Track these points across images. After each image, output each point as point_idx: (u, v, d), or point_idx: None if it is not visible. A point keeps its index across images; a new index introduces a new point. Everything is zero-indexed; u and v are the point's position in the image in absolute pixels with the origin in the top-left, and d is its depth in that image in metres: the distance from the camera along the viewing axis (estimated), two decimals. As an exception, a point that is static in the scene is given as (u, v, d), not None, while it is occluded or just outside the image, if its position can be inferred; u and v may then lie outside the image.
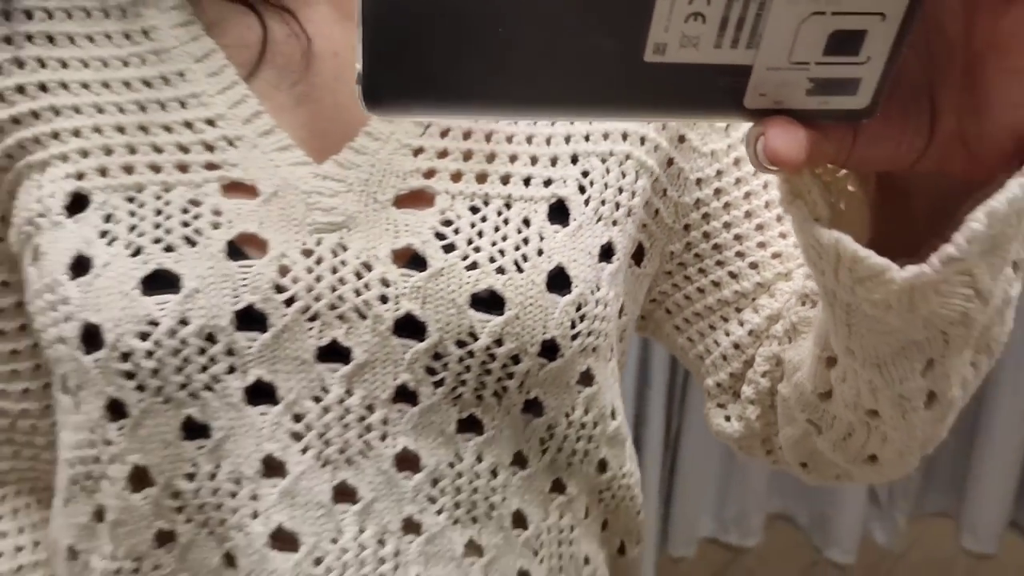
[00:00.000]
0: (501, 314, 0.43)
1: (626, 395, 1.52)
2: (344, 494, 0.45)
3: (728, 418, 0.53)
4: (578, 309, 0.45)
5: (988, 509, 1.72)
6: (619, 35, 0.27)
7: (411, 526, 0.46)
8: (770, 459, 0.53)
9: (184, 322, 0.42)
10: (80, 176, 0.44)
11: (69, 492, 0.47)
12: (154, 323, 0.42)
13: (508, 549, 0.48)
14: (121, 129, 0.44)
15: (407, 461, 0.45)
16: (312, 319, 0.43)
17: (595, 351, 0.47)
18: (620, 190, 0.47)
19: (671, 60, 0.28)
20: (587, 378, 0.47)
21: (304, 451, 0.44)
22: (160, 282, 0.42)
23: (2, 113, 0.44)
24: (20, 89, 0.44)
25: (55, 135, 0.44)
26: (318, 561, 0.44)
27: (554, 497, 0.49)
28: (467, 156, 0.45)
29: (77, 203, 0.44)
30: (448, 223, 0.44)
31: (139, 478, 0.45)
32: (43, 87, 0.44)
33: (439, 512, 0.46)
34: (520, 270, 0.44)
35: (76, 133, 0.44)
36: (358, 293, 0.43)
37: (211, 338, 0.42)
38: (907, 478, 1.70)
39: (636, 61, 0.27)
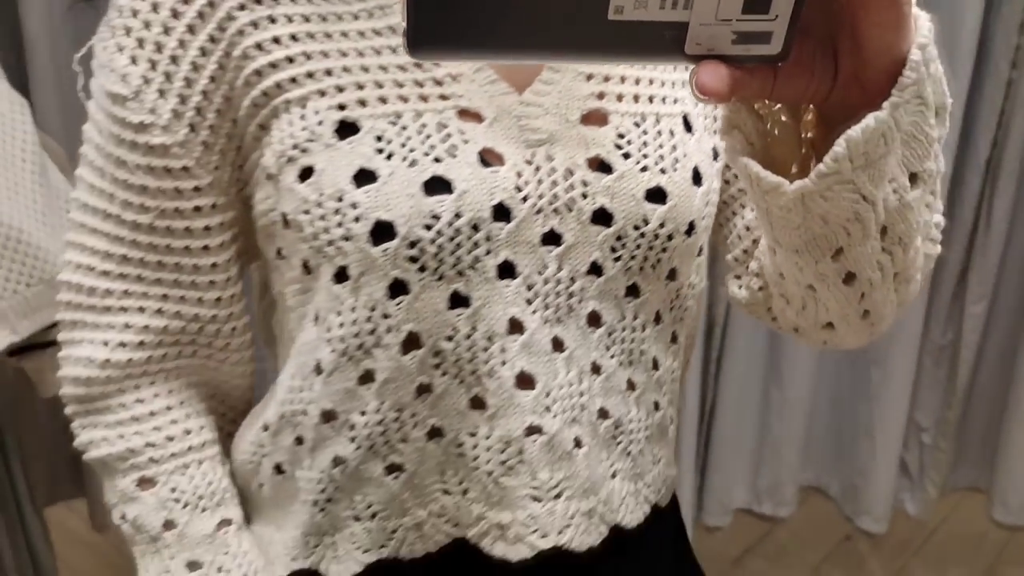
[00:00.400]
0: (665, 204, 0.56)
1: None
2: (557, 345, 0.57)
3: (740, 287, 0.65)
4: (706, 197, 0.58)
5: (1019, 482, 1.75)
6: (589, 1, 0.36)
7: (595, 368, 0.58)
8: (775, 325, 0.64)
9: (458, 215, 0.52)
10: (342, 107, 0.53)
11: (335, 365, 0.56)
12: (436, 217, 0.52)
13: (650, 387, 0.62)
14: (365, 69, 0.53)
15: (593, 319, 0.57)
16: (537, 212, 0.54)
17: (707, 229, 0.60)
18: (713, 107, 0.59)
19: (628, 18, 0.36)
20: (701, 250, 0.61)
21: (534, 313, 0.55)
22: (436, 186, 0.52)
23: (262, 59, 0.53)
24: (275, 40, 0.53)
25: (309, 75, 0.53)
26: (547, 394, 0.56)
27: (672, 347, 0.63)
28: (622, 80, 0.56)
29: (345, 129, 0.53)
30: (622, 136, 0.56)
31: (410, 343, 0.55)
32: (293, 37, 0.53)
33: (611, 357, 0.58)
34: (675, 170, 0.56)
35: (328, 72, 0.53)
36: (566, 192, 0.55)
37: (476, 228, 0.53)
38: (937, 452, 1.74)
39: (602, 19, 0.36)
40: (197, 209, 0.57)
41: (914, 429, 1.78)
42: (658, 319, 0.60)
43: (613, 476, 0.60)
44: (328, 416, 0.58)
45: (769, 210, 0.46)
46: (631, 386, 0.60)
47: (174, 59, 0.53)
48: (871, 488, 1.76)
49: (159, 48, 0.53)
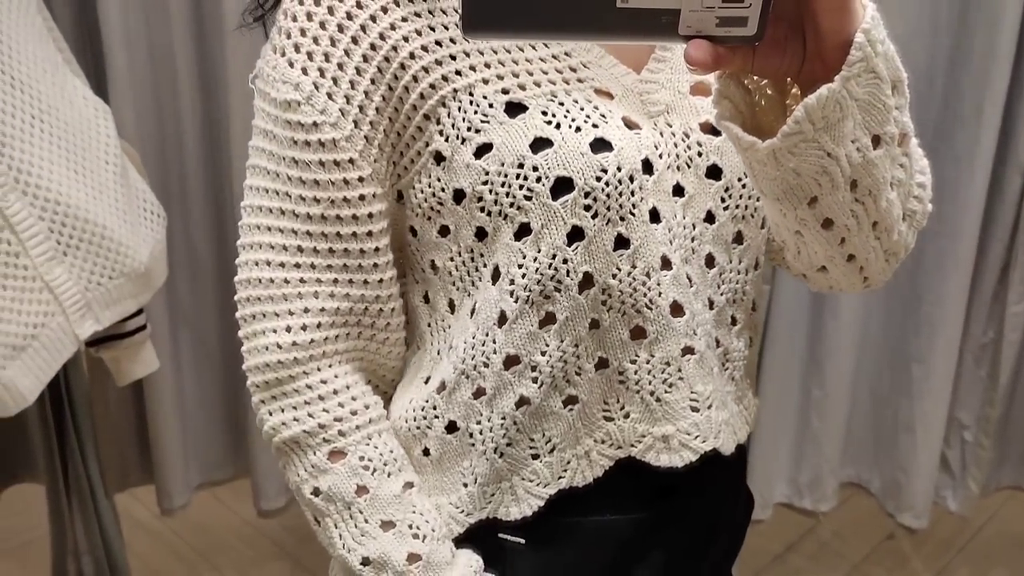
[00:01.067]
0: None
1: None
2: (690, 281, 0.66)
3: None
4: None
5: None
6: None
7: (710, 303, 0.68)
8: (789, 271, 0.74)
9: (619, 168, 0.62)
10: (505, 92, 0.63)
11: (519, 312, 0.64)
12: (604, 170, 0.61)
13: (747, 324, 0.72)
14: (515, 61, 0.64)
15: (710, 261, 0.67)
16: (668, 168, 0.64)
17: None
18: None
19: (632, 6, 0.47)
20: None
21: (675, 252, 0.65)
22: (599, 145, 0.62)
23: (424, 59, 0.62)
24: (437, 43, 0.63)
25: (471, 68, 0.63)
26: (694, 319, 0.66)
27: (764, 290, 0.71)
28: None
29: (513, 108, 0.63)
30: None
31: (585, 282, 0.63)
32: (452, 40, 0.63)
33: (722, 295, 0.68)
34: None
35: (487, 65, 0.63)
36: (686, 152, 0.65)
37: (632, 179, 0.62)
38: (979, 449, 1.76)
39: (613, 7, 0.46)
40: (361, 198, 0.65)
41: (956, 426, 1.79)
42: (757, 265, 0.71)
43: (728, 399, 0.71)
44: (511, 362, 0.66)
45: (751, 165, 0.55)
46: (734, 321, 0.70)
47: (340, 66, 0.62)
48: (912, 484, 1.77)
49: (327, 58, 0.62)
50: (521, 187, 0.61)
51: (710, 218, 0.66)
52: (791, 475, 1.83)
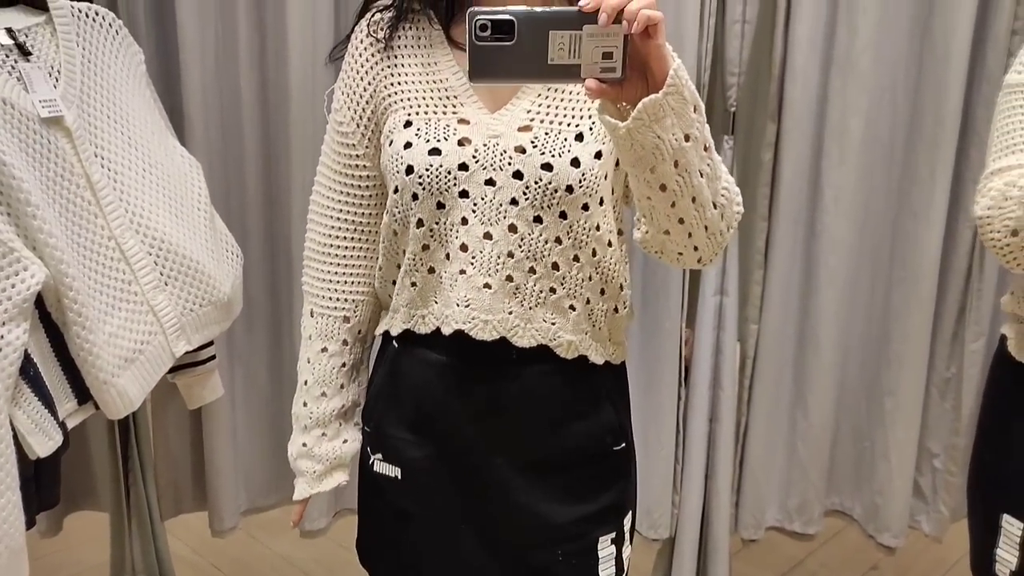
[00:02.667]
0: (551, 172, 1.02)
1: (701, 398, 1.82)
2: (487, 236, 1.04)
3: (636, 231, 1.03)
4: (580, 175, 1.02)
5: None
6: (541, 55, 0.83)
7: (510, 255, 1.04)
8: (656, 255, 1.04)
9: (442, 165, 1.03)
10: (408, 114, 1.08)
11: (395, 230, 1.10)
12: (431, 165, 1.03)
13: (548, 277, 1.05)
14: (422, 98, 1.08)
15: (512, 228, 1.04)
16: (483, 168, 1.03)
17: (589, 196, 1.03)
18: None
19: (556, 62, 0.83)
20: (587, 207, 1.04)
21: (475, 217, 1.04)
22: (434, 152, 1.04)
23: (386, 93, 1.10)
24: (393, 84, 1.10)
25: (399, 100, 1.09)
26: (473, 257, 1.04)
27: (574, 264, 1.06)
28: (547, 113, 1.05)
29: (406, 124, 1.07)
30: (536, 137, 1.03)
31: (419, 223, 1.06)
32: (397, 83, 1.10)
33: (521, 251, 1.04)
34: (561, 156, 1.02)
35: (408, 99, 1.09)
36: (500, 161, 1.03)
37: (449, 172, 1.03)
38: (948, 476, 1.96)
39: (546, 62, 0.83)
40: (364, 167, 1.15)
41: (926, 455, 1.99)
42: (559, 240, 1.04)
43: (510, 313, 1.05)
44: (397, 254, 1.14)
45: (617, 143, 0.88)
46: (532, 271, 1.05)
47: (354, 93, 1.12)
48: (889, 507, 1.96)
49: (353, 91, 1.12)
50: (395, 166, 1.05)
51: (514, 202, 1.03)
52: (781, 500, 2.02)
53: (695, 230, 0.96)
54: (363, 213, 1.15)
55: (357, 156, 1.13)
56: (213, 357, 1.64)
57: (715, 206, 0.96)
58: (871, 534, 2.00)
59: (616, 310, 1.12)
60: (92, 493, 1.92)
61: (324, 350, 1.19)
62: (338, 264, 1.17)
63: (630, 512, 1.16)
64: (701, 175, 0.92)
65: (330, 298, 1.19)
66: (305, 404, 1.21)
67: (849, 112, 1.76)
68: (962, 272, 1.86)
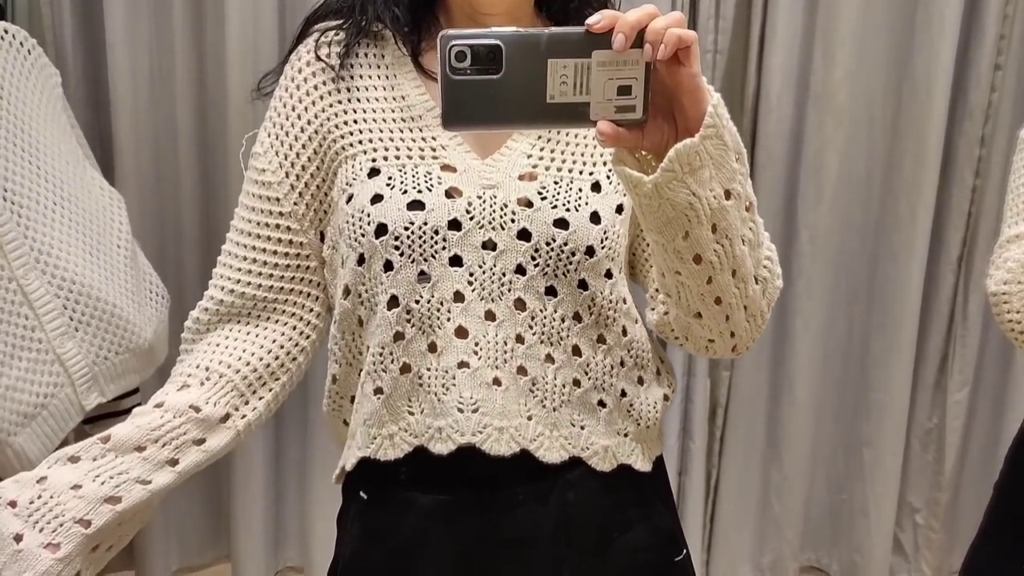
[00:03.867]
0: (567, 230, 0.81)
1: (670, 450, 1.71)
2: (490, 316, 0.81)
3: (651, 312, 0.86)
4: (602, 232, 0.82)
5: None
6: (538, 91, 0.63)
7: (519, 339, 0.82)
8: (676, 342, 0.86)
9: (425, 223, 0.80)
10: (374, 160, 0.84)
11: (348, 316, 0.85)
12: (412, 223, 0.80)
13: (569, 365, 0.83)
14: (392, 139, 0.85)
15: (520, 304, 0.81)
16: (480, 227, 0.81)
17: (612, 259, 0.83)
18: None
19: (557, 101, 0.64)
20: (610, 273, 0.84)
21: (472, 291, 0.81)
22: (415, 205, 0.80)
23: (335, 133, 0.86)
24: (346, 123, 0.86)
25: (360, 142, 0.85)
26: (476, 343, 0.81)
27: (599, 346, 0.84)
28: (552, 159, 0.85)
29: (372, 172, 0.83)
30: (543, 187, 0.83)
31: (392, 302, 0.81)
32: (355, 122, 0.86)
33: (534, 335, 0.82)
34: (577, 210, 0.82)
35: (371, 141, 0.85)
36: (501, 218, 0.81)
37: (437, 232, 0.80)
38: (930, 532, 1.85)
39: (544, 102, 0.64)
40: (287, 228, 0.89)
41: (907, 509, 1.89)
42: (578, 318, 0.83)
43: (529, 418, 0.82)
44: (352, 339, 0.88)
45: (639, 202, 0.69)
46: (550, 359, 0.82)
47: (287, 135, 0.88)
48: (869, 566, 1.85)
49: (281, 128, 0.88)
50: (360, 227, 0.82)
51: (520, 270, 0.81)
52: (754, 558, 1.90)
53: (733, 312, 0.76)
54: (275, 287, 0.88)
55: (280, 214, 0.87)
56: (139, 405, 1.50)
57: (757, 281, 0.75)
58: (849, 594, 1.88)
59: (666, 398, 0.91)
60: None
61: (159, 405, 0.82)
62: (210, 340, 0.87)
63: None
64: (743, 242, 0.71)
65: (180, 374, 0.85)
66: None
67: (826, 148, 1.67)
68: (944, 317, 1.77)
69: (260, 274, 0.88)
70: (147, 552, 1.75)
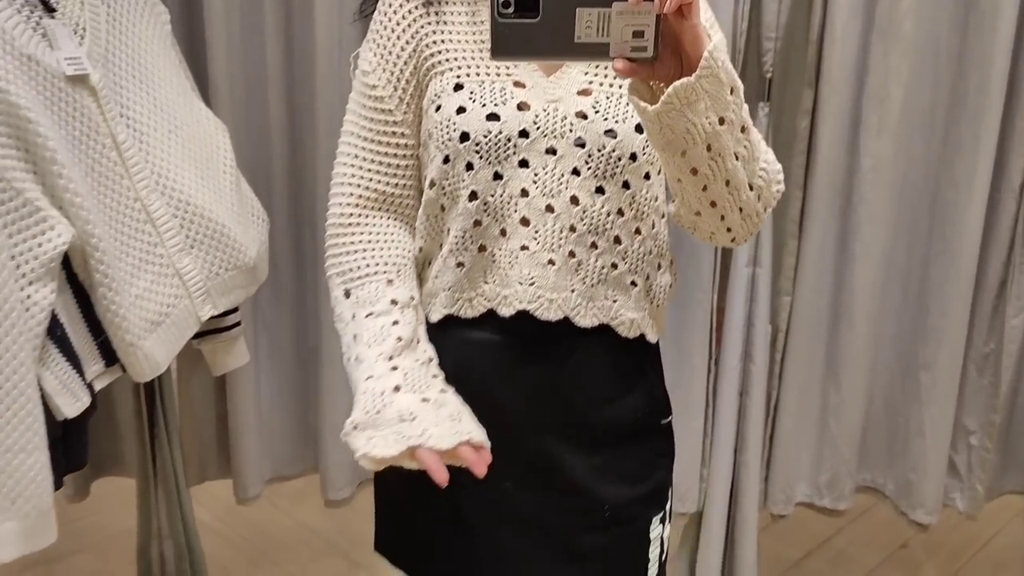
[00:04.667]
0: (616, 139, 0.97)
1: (732, 371, 1.79)
2: (549, 209, 0.99)
3: (671, 205, 1.00)
4: (645, 141, 0.97)
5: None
6: (568, 33, 0.78)
7: (572, 228, 0.99)
8: (688, 231, 1.01)
9: (500, 132, 0.97)
10: (458, 77, 1.01)
11: (440, 204, 1.03)
12: (489, 131, 0.97)
13: (609, 252, 1.01)
14: (472, 59, 1.01)
15: (574, 200, 0.99)
16: (544, 136, 0.98)
17: (651, 164, 0.99)
18: None
19: (583, 41, 0.79)
20: (648, 175, 1.00)
21: (536, 188, 0.98)
22: (492, 117, 0.98)
23: (426, 52, 1.02)
24: (437, 42, 1.02)
25: (446, 60, 1.02)
26: (536, 231, 0.99)
27: (636, 236, 1.02)
28: (605, 76, 0.99)
29: (457, 87, 1.01)
30: (597, 102, 0.98)
31: (472, 196, 0.99)
32: (443, 41, 1.02)
33: (584, 225, 0.99)
34: (624, 122, 0.97)
35: (455, 59, 1.02)
36: (562, 127, 0.98)
37: (509, 140, 0.98)
38: (984, 453, 1.92)
39: (573, 40, 0.79)
40: (402, 134, 1.06)
41: (962, 432, 1.95)
42: (620, 213, 1.00)
43: (572, 291, 1.01)
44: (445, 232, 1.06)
45: (646, 125, 0.84)
46: (594, 246, 1.00)
47: (390, 53, 1.03)
48: (923, 484, 1.92)
49: (390, 51, 1.04)
50: (447, 133, 0.99)
51: (576, 172, 0.98)
52: (812, 476, 1.98)
53: (728, 213, 0.93)
54: (399, 184, 1.05)
55: (395, 123, 1.04)
56: (239, 323, 1.63)
57: (751, 188, 0.91)
58: (903, 511, 1.96)
59: (670, 284, 1.09)
60: (119, 459, 1.92)
61: (370, 315, 1.00)
62: (371, 234, 1.05)
63: (670, 489, 1.13)
64: (736, 158, 0.87)
65: (365, 268, 1.04)
66: (369, 378, 0.97)
67: (890, 78, 1.71)
68: (1004, 245, 1.80)
69: (387, 173, 1.05)
70: (243, 463, 1.90)
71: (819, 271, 1.85)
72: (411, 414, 0.91)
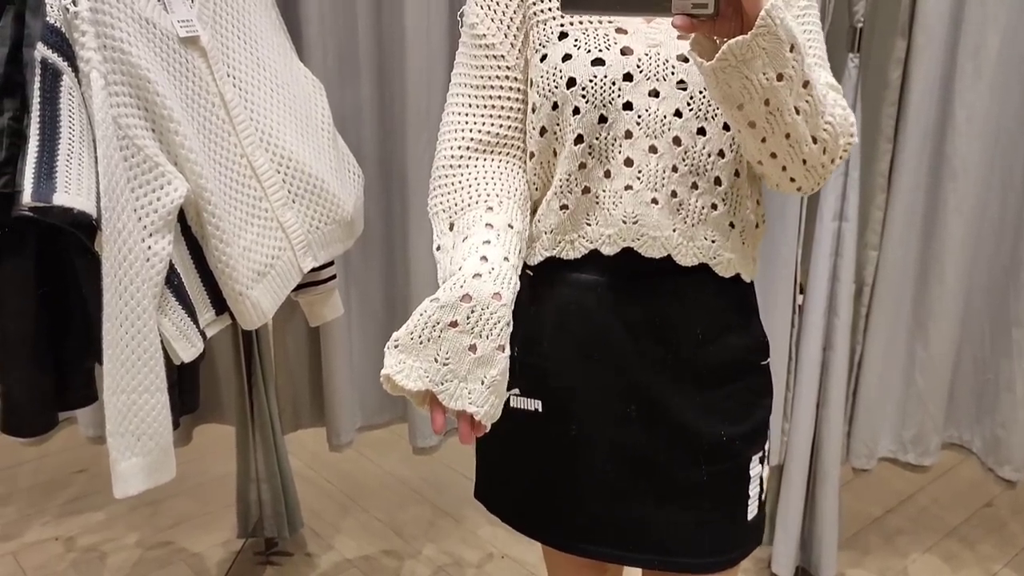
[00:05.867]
0: None
1: (815, 325, 1.79)
2: (652, 150, 0.99)
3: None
4: None
5: None
6: None
7: (674, 169, 1.00)
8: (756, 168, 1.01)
9: (606, 76, 0.98)
10: (562, 25, 1.03)
11: (542, 148, 1.04)
12: (595, 76, 0.99)
13: (709, 192, 1.01)
14: None
15: (676, 141, 0.99)
16: (648, 79, 0.99)
17: None
18: None
19: None
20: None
21: (639, 130, 0.99)
22: (597, 63, 0.99)
23: (529, 1, 1.04)
24: None
25: (549, 8, 1.04)
26: (639, 172, 1.00)
27: (735, 180, 1.02)
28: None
29: (561, 35, 1.02)
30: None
31: (578, 139, 1.00)
32: None
33: (685, 165, 1.00)
34: None
35: (558, 8, 1.01)
36: (664, 70, 0.99)
37: (614, 84, 0.98)
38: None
39: None
40: (515, 79, 1.07)
41: (1053, 388, 1.92)
42: (721, 154, 1.00)
43: (674, 230, 1.01)
44: (546, 175, 1.07)
45: (706, 79, 0.85)
46: (695, 186, 1.01)
47: (503, 5, 1.06)
48: (1012, 439, 1.89)
49: (497, 2, 1.06)
50: (554, 80, 1.00)
51: (678, 114, 0.98)
52: (896, 431, 1.98)
53: (790, 164, 0.94)
54: (512, 126, 1.06)
55: (507, 68, 1.06)
56: (334, 276, 1.69)
57: (815, 141, 0.92)
58: (990, 467, 1.94)
59: (758, 226, 1.09)
60: (218, 407, 2.02)
61: (466, 239, 0.98)
62: (479, 171, 1.05)
63: (768, 430, 1.15)
64: (797, 112, 0.88)
65: (469, 199, 1.03)
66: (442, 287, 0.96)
67: (987, 26, 1.67)
68: (1103, 196, 1.76)
69: (500, 116, 1.07)
70: (335, 411, 1.98)
71: (907, 225, 1.82)
72: (447, 358, 0.87)
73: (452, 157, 1.07)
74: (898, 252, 1.84)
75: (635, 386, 1.04)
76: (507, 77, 1.07)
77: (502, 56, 1.06)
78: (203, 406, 2.00)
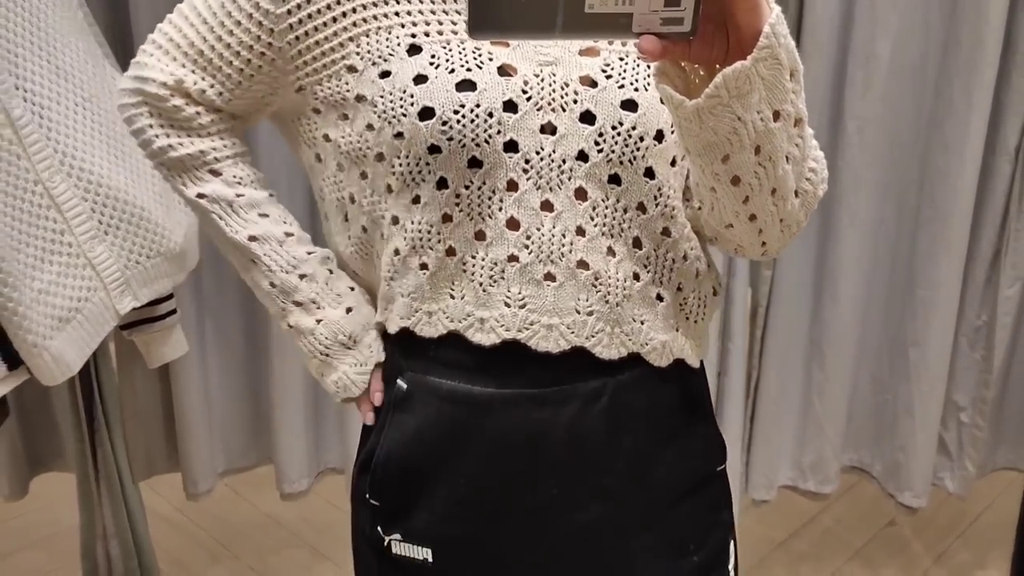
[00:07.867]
0: (636, 112, 0.75)
1: (710, 350, 1.68)
2: (546, 207, 0.76)
3: (687, 206, 0.82)
4: None
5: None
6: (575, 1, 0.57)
7: (580, 231, 0.76)
8: (705, 240, 0.83)
9: (478, 105, 0.73)
10: (413, 35, 0.77)
11: (398, 188, 0.78)
12: (463, 105, 0.73)
13: (630, 259, 0.79)
14: (432, 11, 0.78)
15: (581, 193, 0.76)
16: (539, 109, 0.75)
17: (677, 142, 0.76)
18: None
19: (597, 11, 0.57)
20: (675, 161, 0.78)
21: (528, 179, 0.75)
22: (465, 85, 0.74)
23: (373, 10, 0.77)
24: None
25: (396, 13, 0.78)
26: (528, 236, 0.76)
27: (664, 240, 0.79)
28: None
29: (412, 49, 0.77)
30: (607, 64, 0.76)
31: (441, 185, 0.76)
32: None
33: (595, 226, 0.77)
34: (646, 89, 0.76)
35: (408, 13, 0.77)
36: (562, 97, 0.75)
37: (490, 115, 0.74)
38: (975, 430, 1.82)
39: (582, 12, 0.57)
40: (261, 54, 0.81)
41: (952, 409, 1.85)
42: (642, 208, 0.77)
43: (590, 314, 0.77)
44: (394, 220, 0.81)
45: (680, 122, 0.65)
46: (611, 252, 0.78)
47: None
48: (912, 465, 1.83)
49: None
50: (400, 106, 0.75)
51: (582, 156, 0.75)
52: (795, 457, 1.89)
53: (767, 227, 0.73)
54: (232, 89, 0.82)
55: (268, 44, 0.79)
56: (174, 311, 1.50)
57: (798, 194, 0.72)
58: (891, 493, 1.87)
59: (715, 292, 0.87)
60: (59, 454, 1.81)
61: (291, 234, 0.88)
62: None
63: (732, 544, 0.92)
64: (788, 160, 0.67)
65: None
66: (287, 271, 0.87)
67: (877, 33, 1.58)
68: (998, 211, 1.69)
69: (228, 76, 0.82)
70: (192, 456, 1.79)
71: (801, 242, 1.73)
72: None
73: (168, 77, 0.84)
74: (793, 271, 1.75)
75: (554, 528, 0.82)
76: (262, 54, 0.80)
77: (270, 30, 0.79)
78: (41, 453, 1.80)
